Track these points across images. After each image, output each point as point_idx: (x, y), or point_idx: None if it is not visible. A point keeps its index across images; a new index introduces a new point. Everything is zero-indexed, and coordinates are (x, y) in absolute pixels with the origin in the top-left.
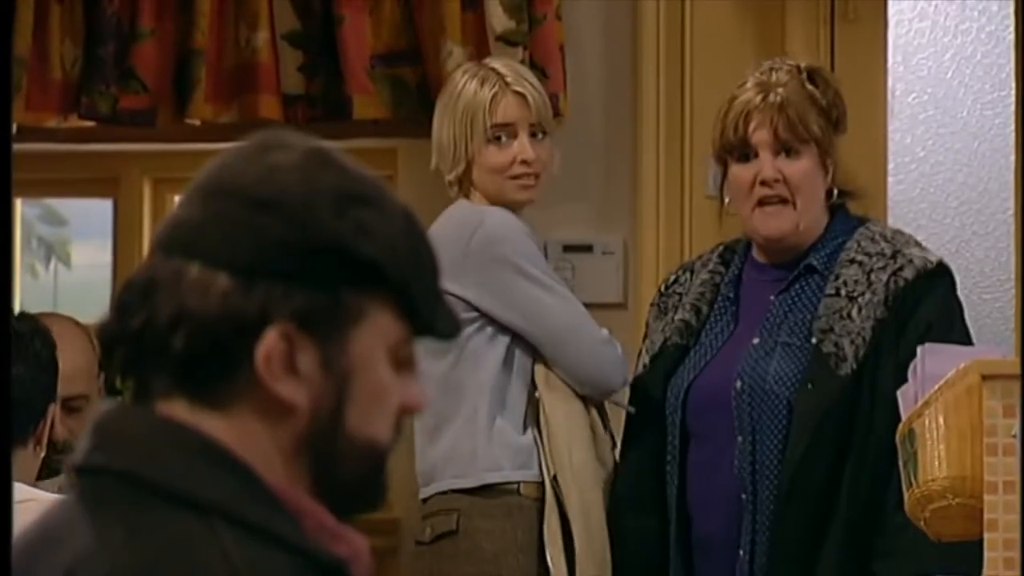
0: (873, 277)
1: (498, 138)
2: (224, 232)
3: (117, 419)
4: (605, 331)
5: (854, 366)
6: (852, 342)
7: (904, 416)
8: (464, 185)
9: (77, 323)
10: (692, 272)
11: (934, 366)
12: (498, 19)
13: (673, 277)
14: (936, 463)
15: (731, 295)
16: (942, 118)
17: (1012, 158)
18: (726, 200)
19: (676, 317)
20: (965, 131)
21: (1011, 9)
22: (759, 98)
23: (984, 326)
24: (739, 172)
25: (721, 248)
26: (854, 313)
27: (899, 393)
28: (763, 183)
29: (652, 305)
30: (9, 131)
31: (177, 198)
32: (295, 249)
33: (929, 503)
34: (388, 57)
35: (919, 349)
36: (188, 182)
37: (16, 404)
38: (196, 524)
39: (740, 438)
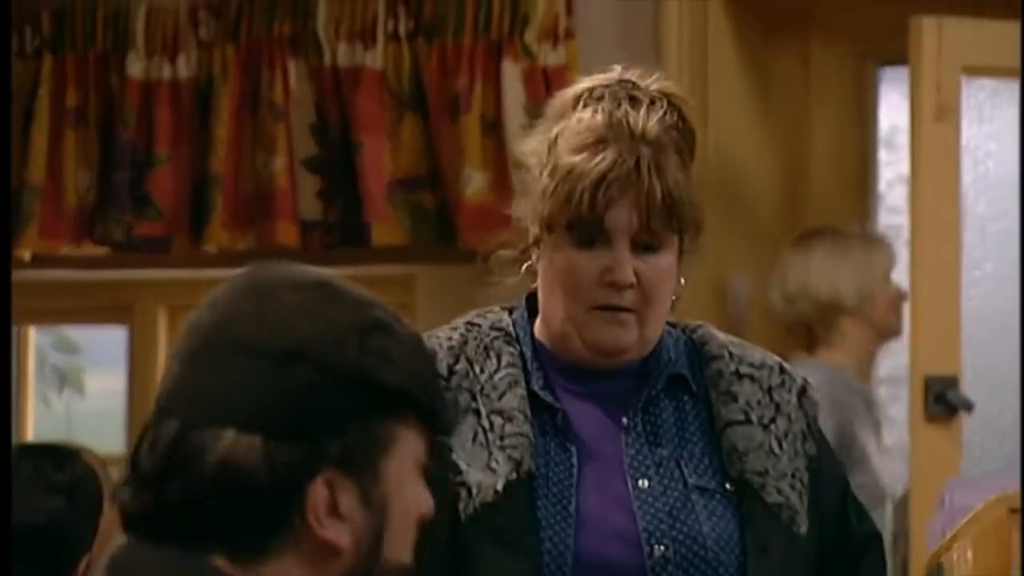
0: (776, 397)
1: None
2: (256, 394)
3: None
4: None
5: (807, 520)
6: (792, 487)
7: (932, 549)
8: None
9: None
10: (470, 361)
11: (962, 498)
12: (518, 143)
13: (446, 365)
14: None
15: (550, 405)
16: None
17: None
18: (522, 267)
19: (497, 439)
20: None
21: None
22: (623, 164)
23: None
24: (580, 260)
25: (495, 332)
26: (775, 447)
27: (927, 527)
28: (612, 285)
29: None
30: (8, 126)
31: None
32: (327, 394)
33: None
34: (407, 182)
35: (947, 481)
36: None
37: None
38: None
39: None
